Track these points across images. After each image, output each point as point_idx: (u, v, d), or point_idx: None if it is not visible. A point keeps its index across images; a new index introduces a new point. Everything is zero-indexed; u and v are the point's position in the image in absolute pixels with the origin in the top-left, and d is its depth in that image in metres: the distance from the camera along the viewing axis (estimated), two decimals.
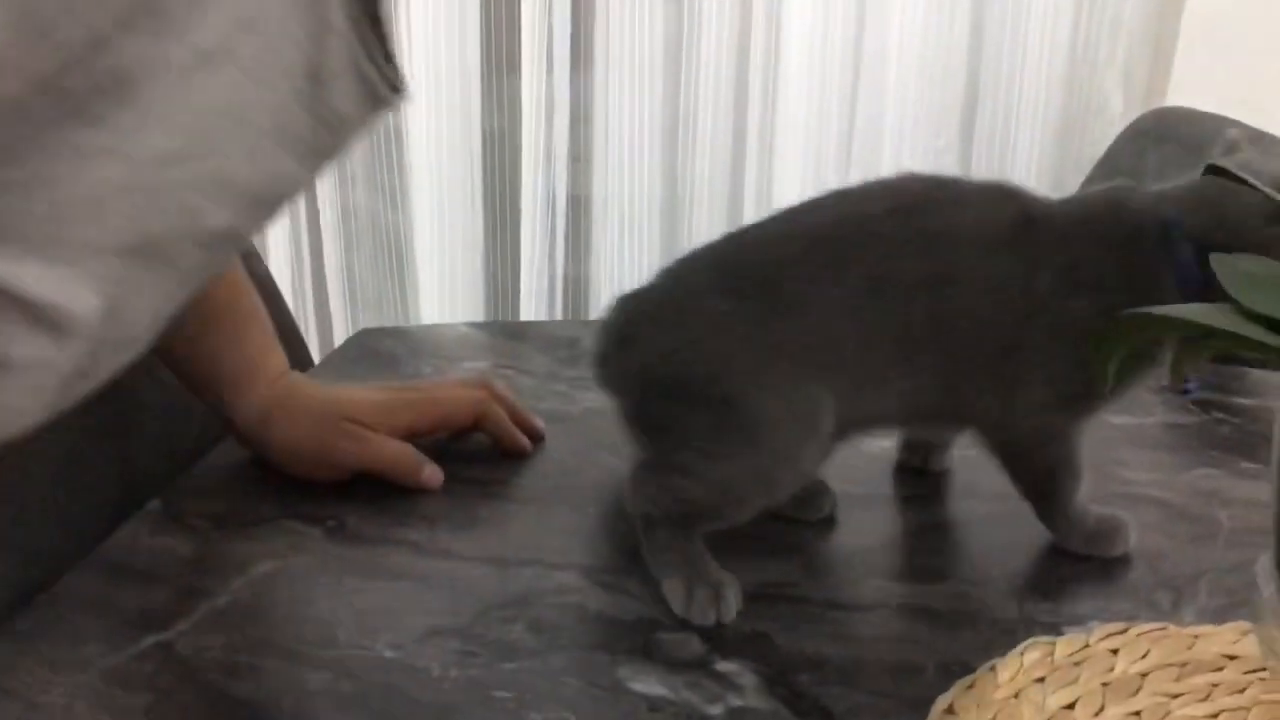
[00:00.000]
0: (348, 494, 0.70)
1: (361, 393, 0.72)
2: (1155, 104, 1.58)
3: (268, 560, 0.64)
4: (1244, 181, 0.53)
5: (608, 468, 0.76)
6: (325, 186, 1.61)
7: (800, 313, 0.62)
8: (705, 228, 1.65)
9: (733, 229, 0.68)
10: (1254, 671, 0.53)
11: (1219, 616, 0.59)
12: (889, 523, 0.73)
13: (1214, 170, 0.55)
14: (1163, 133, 1.39)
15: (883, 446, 0.76)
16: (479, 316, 1.72)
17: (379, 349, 0.96)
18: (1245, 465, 0.78)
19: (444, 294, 1.70)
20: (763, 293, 0.62)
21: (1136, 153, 1.42)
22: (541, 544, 0.67)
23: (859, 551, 0.68)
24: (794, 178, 1.59)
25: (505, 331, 1.04)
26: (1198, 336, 0.55)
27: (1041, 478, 0.66)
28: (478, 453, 0.77)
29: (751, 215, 1.64)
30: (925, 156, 1.54)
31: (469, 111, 1.62)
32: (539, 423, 0.78)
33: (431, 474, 0.70)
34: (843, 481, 0.71)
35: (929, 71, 1.51)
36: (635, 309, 0.67)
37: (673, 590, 0.60)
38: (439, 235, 1.67)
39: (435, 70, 1.59)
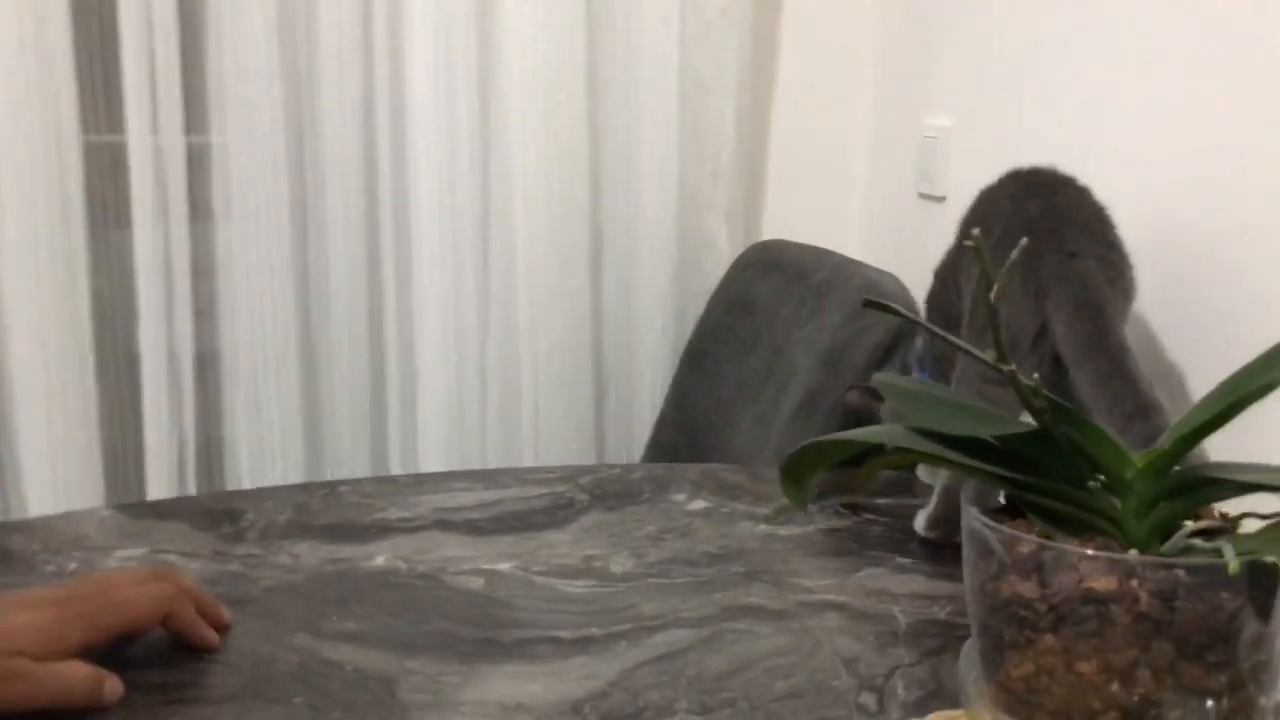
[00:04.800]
0: None
1: (20, 614, 0.62)
2: (754, 238, 1.76)
3: None
4: (896, 313, 0.60)
5: (305, 649, 0.71)
6: None
7: None
8: (347, 375, 1.61)
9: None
10: None
11: (920, 708, 0.64)
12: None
13: (870, 304, 0.61)
14: (768, 263, 1.55)
15: None
16: (97, 496, 1.55)
17: (8, 548, 0.84)
18: (901, 560, 0.87)
19: (55, 474, 1.52)
20: None
21: (747, 281, 1.56)
22: None
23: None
24: (434, 320, 1.59)
25: (153, 511, 0.95)
26: (876, 453, 0.60)
27: None
28: (155, 650, 0.69)
29: (394, 360, 1.62)
30: (561, 296, 1.60)
31: (74, 270, 1.49)
32: (225, 613, 0.71)
33: (112, 689, 0.62)
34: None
35: (555, 220, 1.58)
36: None
37: None
38: (43, 407, 1.50)
39: (32, 228, 1.45)
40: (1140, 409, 0.77)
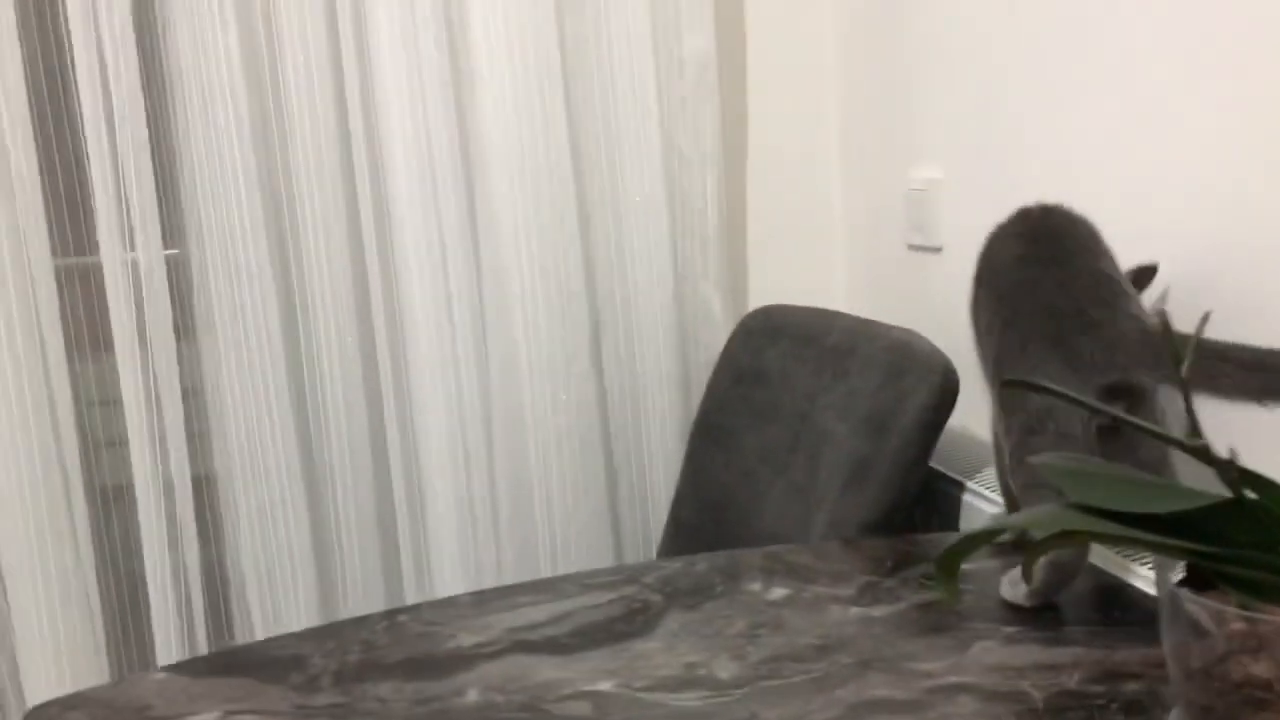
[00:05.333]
0: None
1: None
2: (744, 304, 1.75)
3: None
4: (1044, 389, 0.59)
5: None
6: None
7: None
8: (351, 490, 1.55)
9: None
10: None
11: None
12: None
13: (1012, 384, 0.60)
14: (771, 329, 1.53)
15: None
16: (97, 634, 1.48)
17: None
18: (1006, 630, 0.85)
19: (49, 621, 1.44)
20: None
21: (754, 350, 1.54)
22: None
23: None
24: (438, 425, 1.55)
25: (211, 667, 0.89)
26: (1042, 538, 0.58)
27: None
28: None
29: (399, 469, 1.57)
30: (566, 383, 1.57)
31: (54, 399, 1.43)
32: None
33: None
34: None
35: (553, 309, 1.55)
36: None
37: None
38: (31, 550, 1.43)
39: (12, 358, 1.39)
40: None
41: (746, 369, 1.53)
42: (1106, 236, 0.95)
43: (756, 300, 1.76)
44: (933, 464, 1.21)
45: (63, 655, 1.43)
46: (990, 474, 1.21)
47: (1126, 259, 1.13)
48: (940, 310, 1.53)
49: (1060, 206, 0.96)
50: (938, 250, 1.53)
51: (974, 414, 1.25)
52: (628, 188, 1.61)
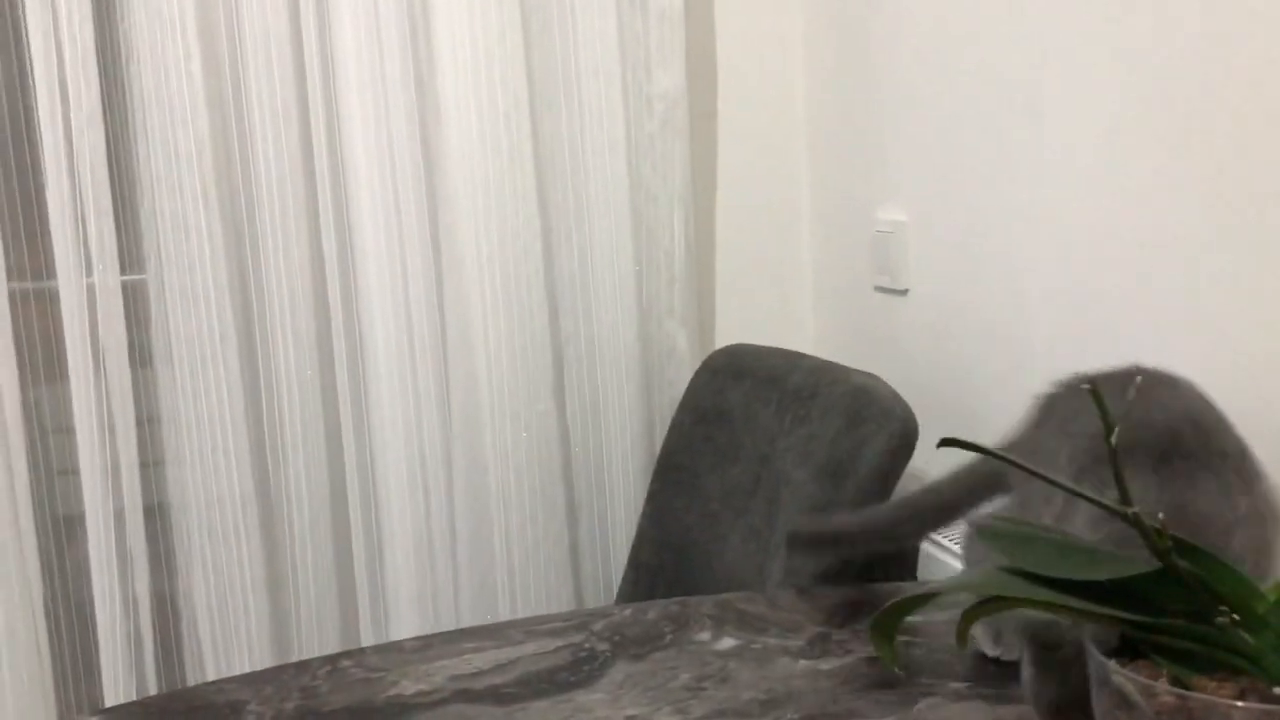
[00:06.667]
0: None
1: None
2: (710, 343, 1.74)
3: None
4: (982, 450, 0.58)
5: None
6: None
7: None
8: (308, 524, 1.53)
9: None
10: None
11: None
12: None
13: (950, 443, 0.58)
14: (735, 369, 1.53)
15: None
16: (43, 665, 1.44)
17: None
18: (954, 685, 0.83)
19: None
20: None
21: (717, 389, 1.54)
22: None
23: None
24: (397, 459, 1.53)
25: (146, 713, 0.87)
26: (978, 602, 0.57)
27: None
28: None
29: (357, 503, 1.55)
30: (527, 421, 1.55)
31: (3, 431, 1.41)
32: None
33: None
34: None
35: (515, 345, 1.54)
36: None
37: None
38: None
39: None
40: None
41: (709, 409, 1.52)
42: (1064, 284, 0.95)
43: (723, 339, 1.75)
44: None
45: (6, 691, 1.40)
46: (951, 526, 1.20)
47: (1082, 304, 1.13)
48: (905, 353, 1.53)
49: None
50: (904, 293, 1.52)
51: (935, 461, 1.25)
52: (594, 224, 1.60)
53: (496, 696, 0.86)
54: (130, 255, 1.49)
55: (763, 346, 1.56)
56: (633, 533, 1.61)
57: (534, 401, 1.56)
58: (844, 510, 1.11)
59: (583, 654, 0.93)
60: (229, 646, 1.50)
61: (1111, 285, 1.12)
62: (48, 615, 1.49)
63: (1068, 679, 0.68)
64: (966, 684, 0.84)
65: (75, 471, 1.47)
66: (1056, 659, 0.69)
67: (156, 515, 1.53)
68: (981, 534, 0.56)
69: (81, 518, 1.47)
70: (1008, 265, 1.29)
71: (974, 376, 1.37)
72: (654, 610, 1.03)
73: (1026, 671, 0.73)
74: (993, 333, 1.33)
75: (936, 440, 0.55)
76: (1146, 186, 1.06)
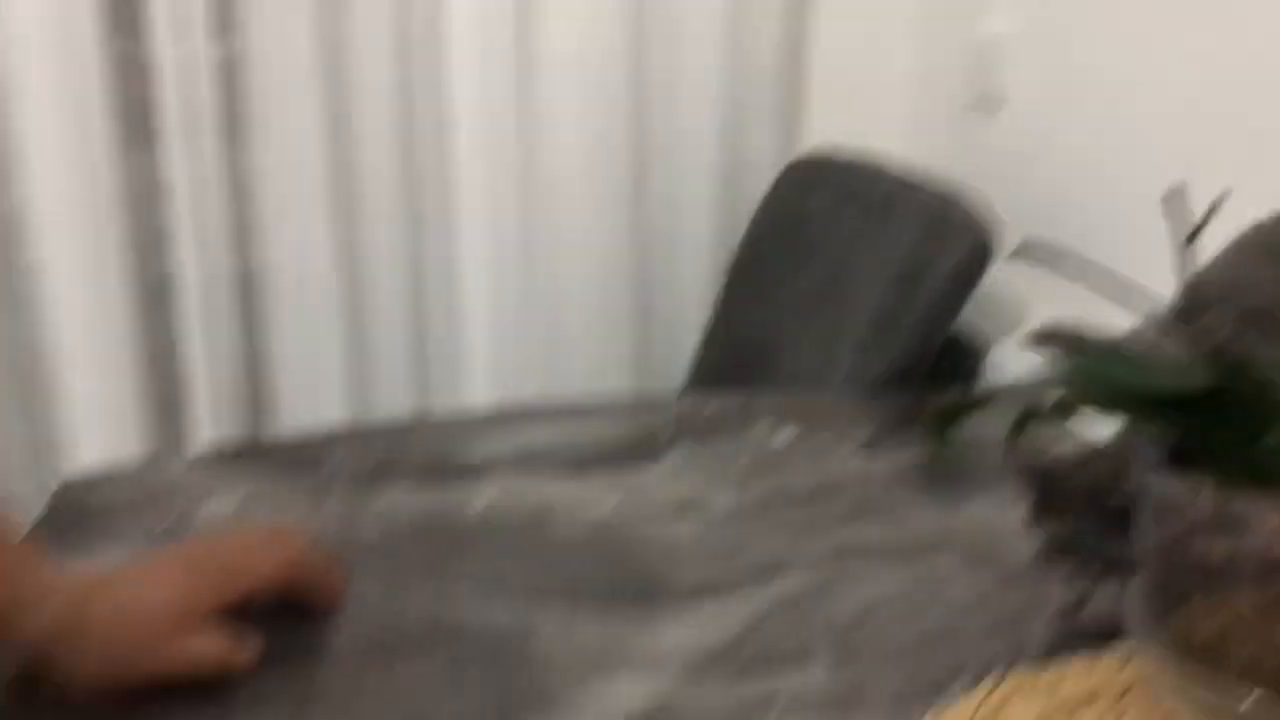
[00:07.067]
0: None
1: (151, 584, 0.61)
2: (796, 149, 1.71)
3: None
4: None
5: (428, 603, 0.70)
6: None
7: None
8: (389, 297, 1.59)
9: None
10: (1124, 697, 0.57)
11: (1055, 650, 0.63)
12: None
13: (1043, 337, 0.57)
14: (816, 177, 1.51)
15: None
16: (137, 414, 1.53)
17: (91, 505, 0.82)
18: (1003, 493, 0.86)
19: (92, 399, 1.50)
20: None
21: (796, 195, 1.53)
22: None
23: None
24: (476, 240, 1.56)
25: (230, 459, 0.93)
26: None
27: None
28: (270, 608, 0.67)
29: (436, 278, 1.59)
30: (603, 213, 1.57)
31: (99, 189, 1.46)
32: (346, 574, 0.70)
33: (246, 659, 0.61)
34: None
35: (597, 135, 1.54)
36: None
37: None
38: (80, 338, 1.48)
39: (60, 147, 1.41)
40: None
41: (787, 214, 1.52)
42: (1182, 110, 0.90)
43: (810, 143, 1.72)
44: (959, 326, 1.21)
45: (104, 432, 1.49)
46: (1011, 340, 1.20)
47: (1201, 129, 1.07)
48: (995, 170, 1.49)
49: None
50: (999, 108, 1.48)
51: (1012, 281, 1.24)
52: (685, 18, 1.57)
53: (561, 468, 0.90)
54: (225, 23, 1.50)
55: (847, 153, 1.53)
56: (701, 332, 1.63)
57: (612, 193, 1.56)
58: (913, 319, 1.12)
59: (646, 435, 0.97)
60: (311, 405, 1.58)
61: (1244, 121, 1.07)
62: (141, 365, 1.56)
63: (1067, 518, 0.70)
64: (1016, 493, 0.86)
65: (170, 237, 1.52)
66: (1060, 494, 0.70)
67: (246, 280, 1.59)
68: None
69: (174, 280, 1.53)
70: (1114, 88, 1.23)
71: (1064, 203, 1.34)
72: (717, 401, 1.06)
73: (1029, 507, 0.73)
74: (1086, 158, 1.29)
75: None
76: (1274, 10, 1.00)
